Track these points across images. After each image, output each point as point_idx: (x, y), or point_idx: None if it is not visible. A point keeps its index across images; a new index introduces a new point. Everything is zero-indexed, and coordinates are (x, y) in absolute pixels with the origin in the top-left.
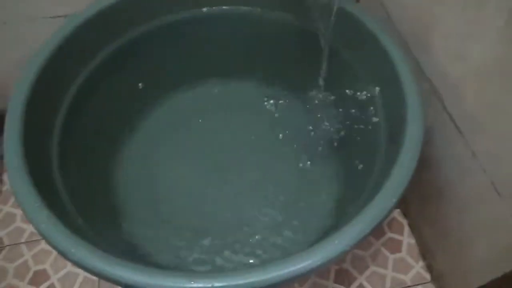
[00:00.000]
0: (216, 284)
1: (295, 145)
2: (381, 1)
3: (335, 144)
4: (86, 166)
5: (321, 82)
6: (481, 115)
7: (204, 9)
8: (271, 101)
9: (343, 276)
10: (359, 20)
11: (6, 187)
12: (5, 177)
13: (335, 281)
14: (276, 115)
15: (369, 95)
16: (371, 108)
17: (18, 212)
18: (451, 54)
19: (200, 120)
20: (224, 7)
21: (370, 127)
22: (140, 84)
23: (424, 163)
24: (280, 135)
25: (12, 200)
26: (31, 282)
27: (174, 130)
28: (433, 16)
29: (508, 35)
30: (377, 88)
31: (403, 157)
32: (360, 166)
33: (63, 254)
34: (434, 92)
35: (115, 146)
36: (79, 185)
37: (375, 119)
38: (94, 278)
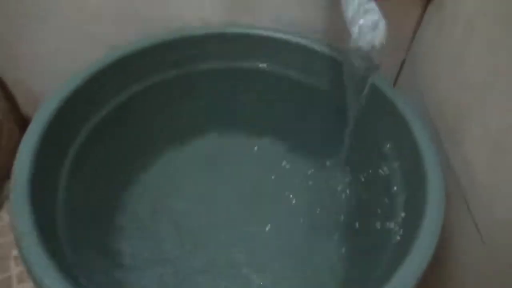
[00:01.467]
0: None
1: (301, 219)
2: (420, 90)
3: (345, 218)
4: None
5: (341, 154)
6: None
7: (237, 63)
8: (285, 162)
9: None
10: (391, 100)
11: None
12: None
13: None
14: (289, 179)
15: (389, 174)
16: (390, 190)
17: None
18: (484, 156)
19: (205, 174)
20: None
21: (386, 208)
22: (141, 138)
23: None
24: (289, 200)
25: None
26: None
27: (177, 184)
28: (472, 116)
29: None
30: (399, 172)
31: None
32: (370, 248)
33: None
34: (459, 190)
35: (116, 200)
36: (81, 238)
37: (393, 203)
38: None
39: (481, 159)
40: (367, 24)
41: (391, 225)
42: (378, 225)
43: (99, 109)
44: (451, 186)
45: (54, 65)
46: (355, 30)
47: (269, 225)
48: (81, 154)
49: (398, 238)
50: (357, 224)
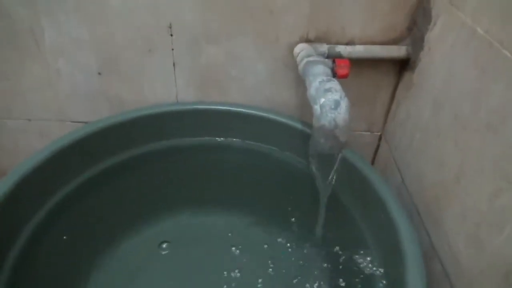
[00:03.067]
0: None
1: None
2: (397, 167)
3: None
4: None
5: (317, 232)
6: None
7: (218, 139)
8: (268, 242)
9: None
10: (366, 179)
11: None
12: None
13: None
14: (270, 258)
15: (368, 258)
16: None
17: None
18: (465, 237)
19: (173, 257)
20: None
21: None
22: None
23: None
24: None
25: None
26: None
27: (144, 266)
28: (448, 191)
29: None
30: (378, 253)
31: None
32: None
33: None
34: (445, 275)
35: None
36: None
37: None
38: None
39: (461, 238)
40: (328, 103)
41: None
42: None
43: (52, 196)
44: (434, 265)
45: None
46: (317, 108)
47: None
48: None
49: None
50: None
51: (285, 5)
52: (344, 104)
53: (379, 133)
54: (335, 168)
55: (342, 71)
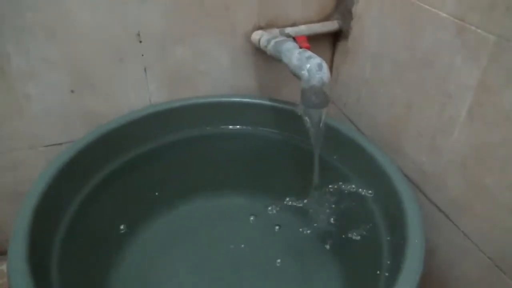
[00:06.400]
0: None
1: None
2: (350, 119)
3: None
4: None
5: (314, 188)
6: (464, 198)
7: (208, 128)
8: (270, 210)
9: None
10: (343, 132)
11: None
12: None
13: None
14: (276, 227)
15: (363, 195)
16: (368, 209)
17: None
18: (425, 149)
19: (194, 235)
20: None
21: (369, 227)
22: (131, 203)
23: None
24: (278, 250)
25: None
26: None
27: (171, 246)
28: (402, 121)
29: (471, 128)
30: (370, 191)
31: (409, 260)
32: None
33: None
34: (416, 187)
35: (109, 264)
36: None
37: (372, 218)
38: None
39: (422, 152)
40: (313, 67)
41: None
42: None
43: (85, 184)
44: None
45: None
46: (304, 73)
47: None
48: (71, 229)
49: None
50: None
51: (238, 2)
52: (325, 65)
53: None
54: (323, 118)
55: (304, 44)
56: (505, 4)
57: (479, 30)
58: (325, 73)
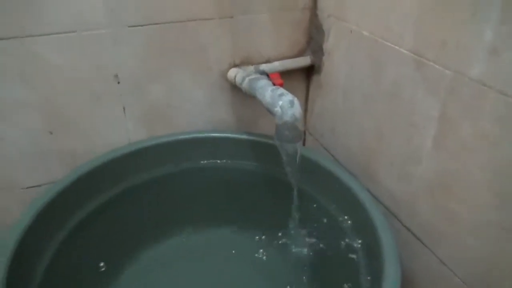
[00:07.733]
0: None
1: None
2: (326, 149)
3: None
4: None
5: (294, 222)
6: (435, 224)
7: (185, 164)
8: (251, 242)
9: None
10: (319, 163)
11: None
12: None
13: None
14: (257, 258)
15: (342, 226)
16: (346, 239)
17: None
18: (396, 177)
19: (176, 270)
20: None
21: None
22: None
23: None
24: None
25: None
26: None
27: (152, 283)
28: (374, 150)
29: (437, 157)
30: (346, 217)
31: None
32: None
33: None
34: (392, 214)
35: None
36: None
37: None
38: None
39: (393, 179)
40: (285, 104)
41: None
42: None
43: (62, 228)
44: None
45: None
46: (277, 110)
47: None
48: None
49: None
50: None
51: (212, 43)
52: (296, 101)
53: (303, 129)
54: (299, 151)
55: (277, 81)
56: (455, 41)
57: (436, 66)
58: (297, 109)
